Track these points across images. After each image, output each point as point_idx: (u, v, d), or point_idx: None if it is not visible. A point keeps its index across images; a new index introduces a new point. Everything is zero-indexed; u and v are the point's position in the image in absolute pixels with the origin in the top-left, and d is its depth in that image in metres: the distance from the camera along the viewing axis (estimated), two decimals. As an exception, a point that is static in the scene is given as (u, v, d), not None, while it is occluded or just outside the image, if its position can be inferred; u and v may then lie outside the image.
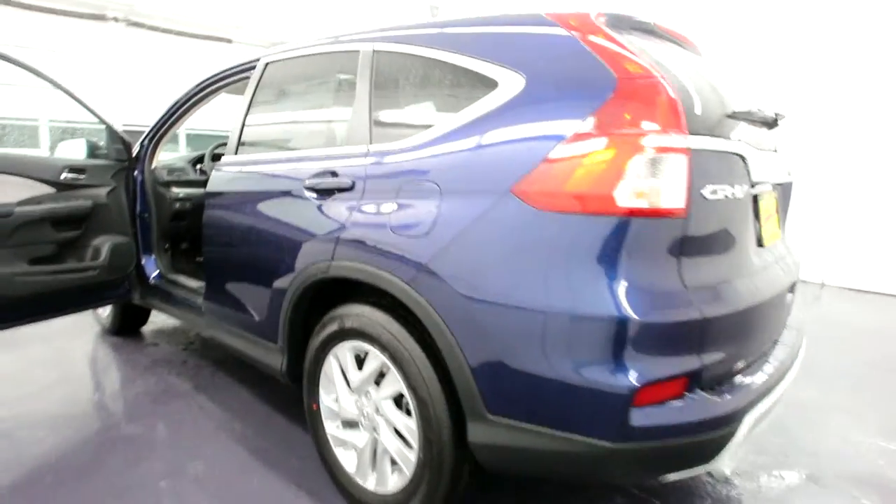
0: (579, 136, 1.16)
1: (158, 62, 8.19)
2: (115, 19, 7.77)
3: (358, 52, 1.73)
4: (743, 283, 1.31)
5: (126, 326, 3.20)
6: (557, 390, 1.15)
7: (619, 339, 1.10)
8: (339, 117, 1.82)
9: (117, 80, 7.67)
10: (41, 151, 7.16)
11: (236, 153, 2.11)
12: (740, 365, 1.31)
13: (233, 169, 2.09)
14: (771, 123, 1.50)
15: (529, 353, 1.18)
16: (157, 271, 2.92)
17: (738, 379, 1.28)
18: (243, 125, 2.12)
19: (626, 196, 1.10)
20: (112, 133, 2.65)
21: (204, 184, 3.13)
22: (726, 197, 1.24)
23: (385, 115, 1.62)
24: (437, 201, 1.33)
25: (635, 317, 1.09)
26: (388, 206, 1.43)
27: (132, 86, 7.73)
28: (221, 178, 2.11)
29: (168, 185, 2.92)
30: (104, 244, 2.59)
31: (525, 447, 1.23)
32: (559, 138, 1.18)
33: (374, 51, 1.68)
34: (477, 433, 1.28)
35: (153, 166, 2.89)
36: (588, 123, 1.15)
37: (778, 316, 1.53)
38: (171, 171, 2.97)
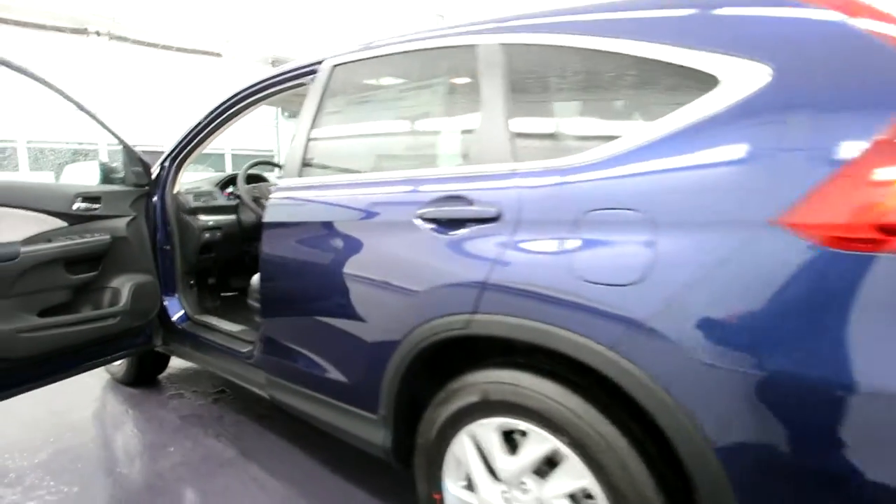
0: (887, 146, 0.83)
1: (144, 77, 7.73)
2: (97, 33, 7.30)
3: (475, 46, 1.38)
4: None
5: (143, 375, 2.76)
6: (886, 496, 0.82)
7: None
8: (453, 129, 1.48)
9: (101, 97, 7.19)
10: (41, 176, 6.60)
11: (300, 175, 1.74)
12: None
13: (299, 195, 1.71)
14: None
15: (830, 444, 0.84)
16: (182, 312, 2.52)
17: None
18: (307, 142, 1.75)
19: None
20: (130, 154, 2.25)
21: (234, 210, 2.76)
22: None
23: (531, 126, 1.28)
24: (649, 236, 0.99)
25: None
26: (566, 243, 1.08)
27: (117, 102, 7.24)
28: (284, 206, 1.74)
29: (195, 212, 2.52)
30: (125, 285, 2.18)
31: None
32: (851, 149, 0.85)
33: (501, 44, 1.33)
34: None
35: (176, 191, 2.50)
36: (900, 127, 0.83)
37: None
38: (197, 195, 2.57)
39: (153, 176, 2.39)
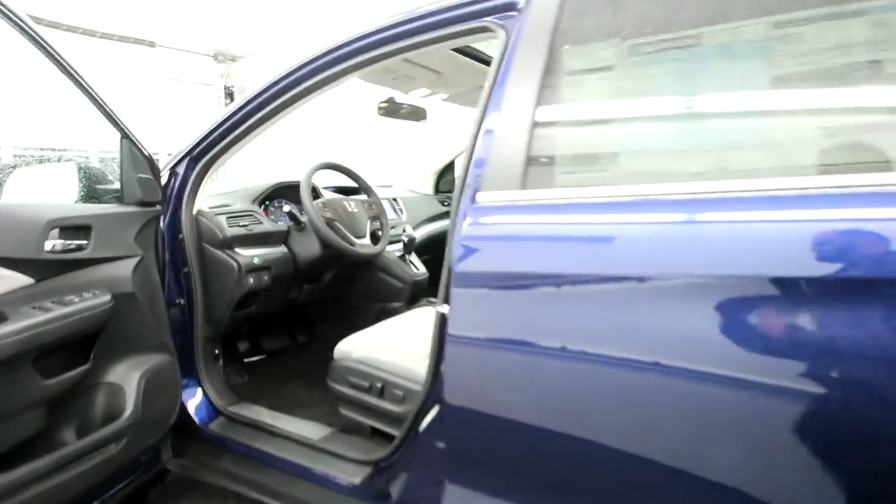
0: None
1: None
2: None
3: None
4: None
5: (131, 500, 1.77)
6: None
7: None
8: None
9: (6, 91, 5.74)
10: None
11: (523, 186, 0.95)
12: None
13: (538, 223, 0.92)
14: None
15: None
16: (204, 402, 1.61)
17: None
18: (533, 128, 0.96)
19: None
20: (133, 152, 1.33)
21: (283, 238, 1.84)
22: None
23: None
24: None
25: None
26: None
27: (28, 97, 5.81)
28: (507, 241, 0.94)
29: (230, 244, 1.60)
30: (130, 378, 1.26)
31: None
32: None
33: None
34: None
35: (196, 210, 1.59)
36: None
37: None
38: (231, 217, 1.65)
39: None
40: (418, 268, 2.14)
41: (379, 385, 1.38)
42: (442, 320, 1.06)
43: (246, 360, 2.00)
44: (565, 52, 0.98)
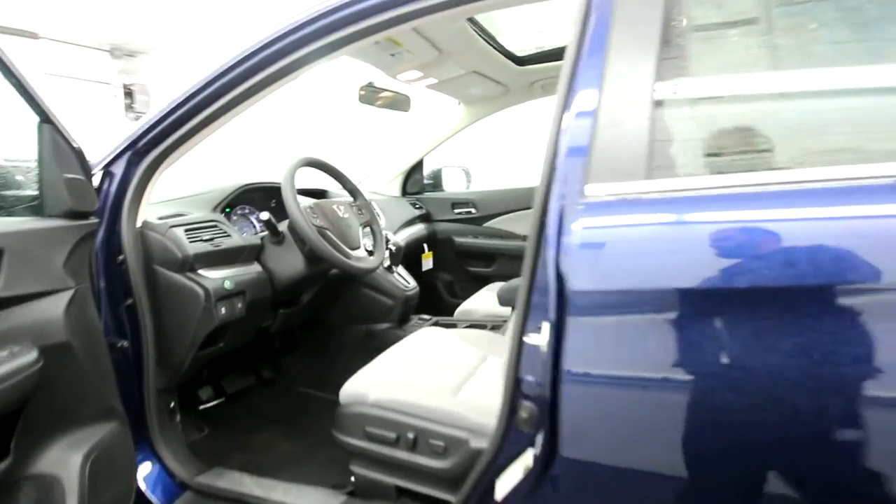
0: None
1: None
2: None
3: None
4: None
5: None
6: None
7: None
8: None
9: None
10: None
11: (648, 176, 0.72)
12: None
13: (692, 222, 0.69)
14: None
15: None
16: (161, 475, 1.25)
17: None
18: (654, 107, 0.73)
19: None
20: (58, 142, 0.94)
21: (256, 254, 1.46)
22: None
23: None
24: None
25: None
26: None
27: None
28: (663, 247, 0.70)
29: (192, 265, 1.22)
30: (69, 464, 0.89)
31: None
32: None
33: None
34: None
35: (140, 223, 1.21)
36: None
37: None
38: (191, 230, 1.26)
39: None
40: (408, 281, 1.85)
41: (410, 435, 1.09)
42: (518, 351, 0.81)
43: (201, 406, 1.61)
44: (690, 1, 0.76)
